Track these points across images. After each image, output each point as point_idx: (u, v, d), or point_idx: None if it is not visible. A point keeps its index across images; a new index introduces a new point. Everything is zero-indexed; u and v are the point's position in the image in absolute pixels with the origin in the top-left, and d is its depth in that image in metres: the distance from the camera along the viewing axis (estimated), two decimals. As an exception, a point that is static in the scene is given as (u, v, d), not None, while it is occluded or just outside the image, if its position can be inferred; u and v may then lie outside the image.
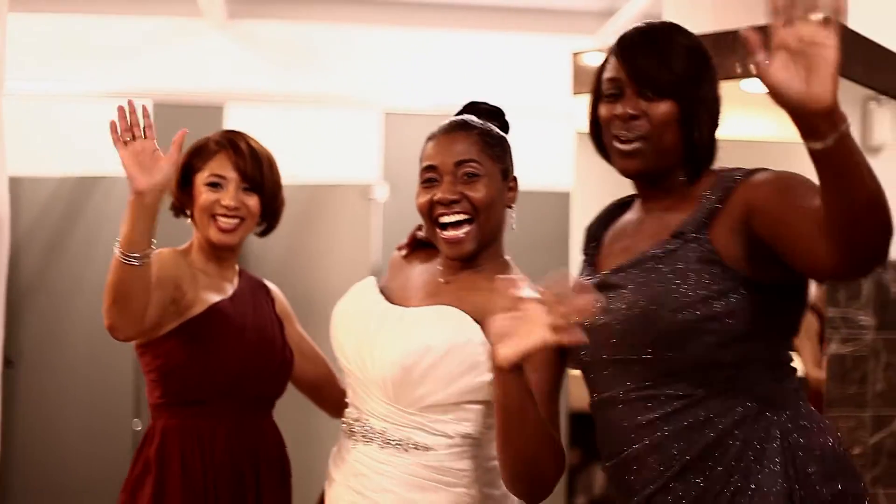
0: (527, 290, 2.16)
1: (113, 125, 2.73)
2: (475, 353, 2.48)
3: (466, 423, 2.58)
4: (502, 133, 2.77)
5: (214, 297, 3.18)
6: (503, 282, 2.19)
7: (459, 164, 2.63)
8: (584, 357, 2.37)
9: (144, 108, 2.79)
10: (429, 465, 2.56)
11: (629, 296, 2.23)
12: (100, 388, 5.45)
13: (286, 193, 3.33)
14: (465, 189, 2.62)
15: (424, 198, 2.67)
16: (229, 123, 5.58)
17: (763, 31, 1.79)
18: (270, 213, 3.30)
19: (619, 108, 2.33)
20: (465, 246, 2.64)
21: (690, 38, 2.37)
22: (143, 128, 2.77)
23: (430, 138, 2.72)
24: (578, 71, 4.56)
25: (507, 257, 2.76)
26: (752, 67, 1.80)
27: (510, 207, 2.74)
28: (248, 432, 3.18)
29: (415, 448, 2.57)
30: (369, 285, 2.83)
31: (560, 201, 5.40)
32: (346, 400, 2.77)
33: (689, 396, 2.19)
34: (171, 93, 6.33)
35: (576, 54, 4.66)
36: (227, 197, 3.15)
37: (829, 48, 1.75)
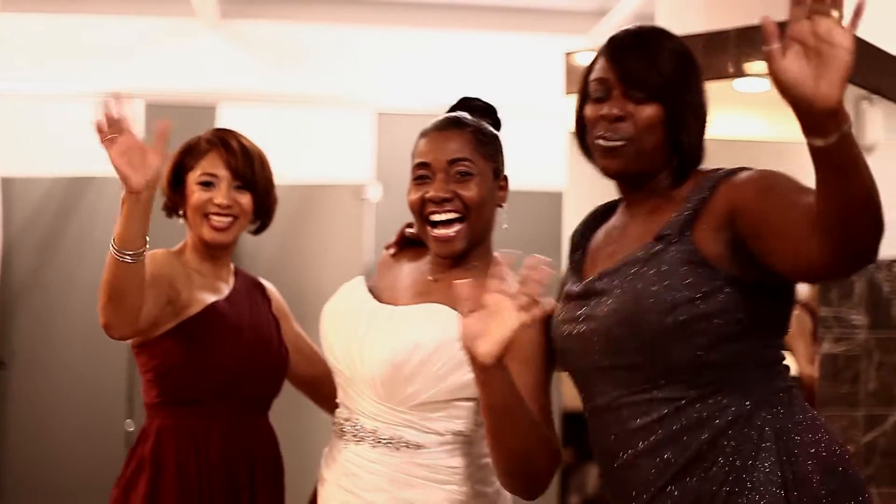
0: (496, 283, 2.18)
1: (99, 125, 2.70)
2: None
3: (457, 420, 2.58)
4: (495, 131, 2.77)
5: (210, 298, 3.17)
6: (460, 288, 2.20)
7: (453, 162, 2.63)
8: (574, 365, 2.36)
9: (123, 101, 2.74)
10: (421, 463, 2.56)
11: (615, 301, 2.23)
12: (92, 389, 5.45)
13: (279, 193, 3.32)
14: (458, 188, 2.62)
15: (416, 195, 2.66)
16: (222, 123, 5.57)
17: (782, 26, 1.79)
18: (263, 211, 3.29)
19: (605, 109, 2.32)
20: (455, 244, 2.64)
21: (679, 44, 2.37)
22: (123, 122, 2.72)
23: (422, 134, 2.71)
24: (571, 70, 4.56)
25: (496, 255, 2.75)
26: (765, 55, 1.80)
27: (500, 206, 2.74)
28: (243, 432, 3.18)
29: (406, 446, 2.56)
30: (358, 285, 2.83)
31: (553, 201, 5.41)
32: (337, 400, 2.77)
33: (681, 399, 2.18)
34: (163, 93, 6.33)
35: (568, 54, 4.66)
36: (220, 195, 3.14)
37: (843, 50, 1.75)
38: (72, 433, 5.46)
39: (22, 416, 5.48)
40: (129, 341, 3.09)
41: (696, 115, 2.34)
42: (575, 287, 2.38)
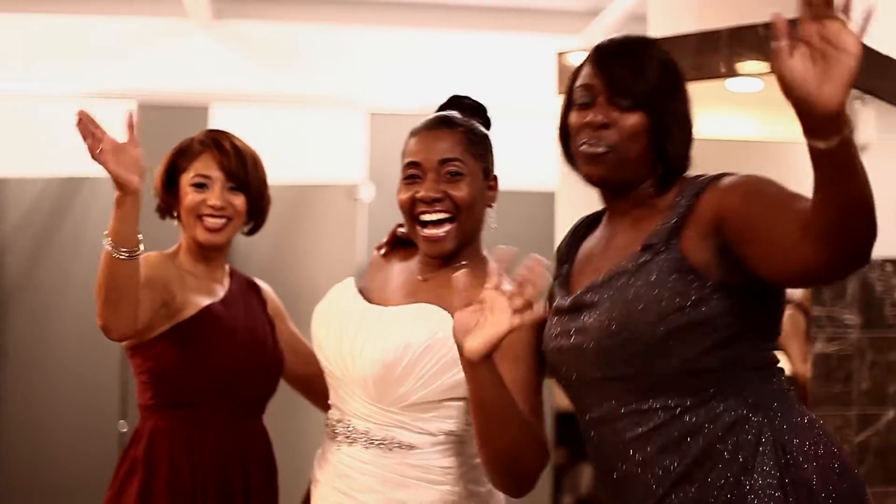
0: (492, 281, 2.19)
1: (90, 145, 2.69)
2: (455, 349, 2.48)
3: (449, 420, 2.58)
4: (485, 130, 2.77)
5: (205, 300, 3.17)
6: (457, 277, 2.20)
7: (443, 162, 2.63)
8: (567, 378, 2.36)
9: (86, 112, 2.72)
10: (413, 463, 2.56)
11: (605, 313, 2.22)
12: (86, 390, 5.44)
13: (272, 194, 3.32)
14: (448, 188, 2.62)
15: (406, 194, 2.66)
16: (214, 124, 5.56)
17: (792, 24, 1.78)
18: (257, 212, 3.29)
19: (589, 116, 2.32)
20: (445, 244, 2.64)
21: (665, 54, 2.38)
22: (95, 127, 2.72)
23: (413, 133, 2.72)
24: (563, 70, 4.56)
25: (485, 253, 2.75)
26: (772, 51, 1.79)
27: (490, 206, 2.74)
28: (237, 434, 3.18)
29: (399, 447, 2.57)
30: (348, 286, 2.83)
31: (545, 201, 5.40)
32: (329, 401, 2.77)
33: (677, 407, 2.18)
34: (156, 93, 6.33)
35: (560, 54, 4.66)
36: (213, 197, 3.14)
37: (849, 55, 1.74)
38: (65, 434, 5.45)
39: (15, 416, 5.47)
40: (123, 343, 3.09)
41: (682, 124, 2.35)
42: (564, 301, 2.37)
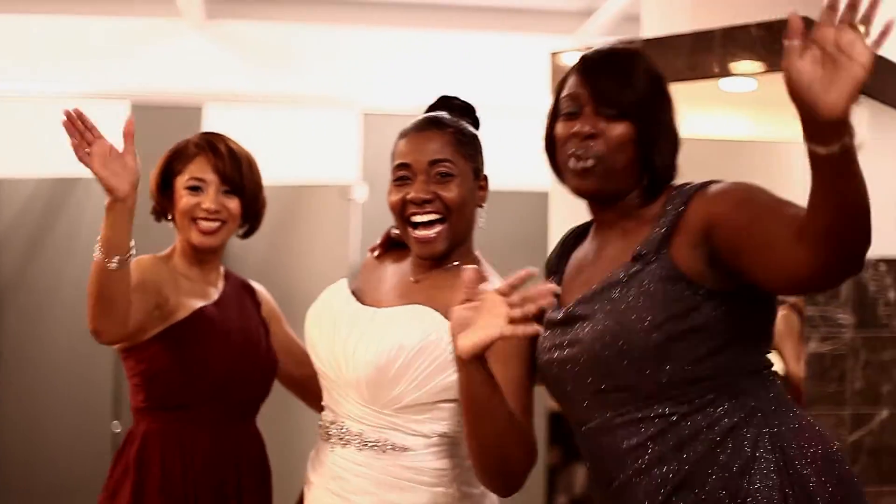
0: (493, 284, 2.19)
1: (74, 145, 2.69)
2: (448, 351, 2.47)
3: (443, 422, 2.57)
4: (474, 130, 2.76)
5: (198, 302, 3.15)
6: (466, 272, 2.21)
7: (433, 163, 2.63)
8: (561, 391, 2.36)
9: (80, 113, 2.72)
10: (407, 465, 2.56)
11: (598, 324, 2.23)
12: (79, 390, 5.43)
13: (266, 194, 3.31)
14: (438, 189, 2.62)
15: (397, 196, 2.66)
16: (208, 124, 5.57)
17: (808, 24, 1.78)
18: (252, 215, 3.28)
19: (576, 126, 2.32)
20: (436, 245, 2.64)
21: (651, 65, 2.39)
22: (90, 129, 2.71)
23: (402, 135, 2.71)
24: (557, 70, 4.56)
25: (476, 253, 2.75)
26: (784, 49, 1.79)
27: (481, 206, 2.74)
28: (230, 437, 3.16)
29: (392, 449, 2.56)
30: (341, 287, 2.83)
31: (538, 201, 5.40)
32: (322, 402, 2.77)
33: (673, 414, 2.18)
34: (149, 93, 6.32)
35: (554, 54, 4.67)
36: (208, 200, 3.12)
37: (860, 65, 1.74)
38: (58, 434, 5.44)
39: (7, 416, 5.46)
40: (116, 346, 3.08)
41: (668, 134, 2.36)
42: (555, 314, 2.37)
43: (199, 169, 3.15)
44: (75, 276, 5.20)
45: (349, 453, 2.60)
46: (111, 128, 2.74)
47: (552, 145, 2.44)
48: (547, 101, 2.50)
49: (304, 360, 3.26)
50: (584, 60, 2.39)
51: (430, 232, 2.63)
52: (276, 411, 3.58)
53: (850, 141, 1.80)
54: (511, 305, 2.14)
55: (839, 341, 3.94)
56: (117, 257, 2.69)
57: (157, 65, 7.18)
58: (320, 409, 2.79)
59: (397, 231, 2.82)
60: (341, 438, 2.62)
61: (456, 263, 2.64)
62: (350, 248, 5.10)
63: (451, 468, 2.59)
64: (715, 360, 2.17)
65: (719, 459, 2.15)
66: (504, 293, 2.16)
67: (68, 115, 2.70)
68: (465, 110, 2.82)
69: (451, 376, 2.45)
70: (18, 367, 5.47)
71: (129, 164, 2.69)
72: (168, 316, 3.08)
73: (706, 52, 4.02)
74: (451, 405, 2.55)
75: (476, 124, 2.81)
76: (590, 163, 2.30)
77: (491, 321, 2.15)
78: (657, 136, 2.32)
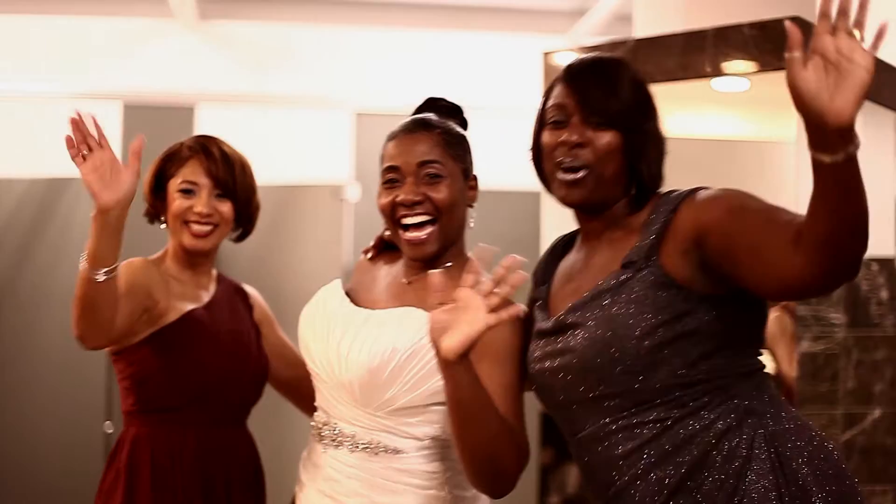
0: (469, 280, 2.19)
1: (69, 140, 2.66)
2: None
3: (435, 424, 2.57)
4: (462, 131, 2.76)
5: (188, 305, 3.15)
6: (432, 276, 2.22)
7: (422, 164, 2.62)
8: (554, 400, 2.36)
9: (94, 119, 2.70)
10: (399, 468, 2.56)
11: (590, 332, 2.23)
12: (71, 390, 5.42)
13: (258, 194, 3.31)
14: (428, 190, 2.61)
15: (386, 199, 2.65)
16: (200, 124, 5.57)
17: (804, 26, 1.79)
18: (245, 219, 3.27)
19: (564, 136, 2.33)
20: (427, 247, 2.64)
21: (637, 74, 2.40)
22: (99, 137, 2.68)
23: (390, 138, 2.71)
24: (549, 70, 4.56)
25: (469, 254, 2.75)
26: (786, 61, 1.80)
27: (471, 206, 2.74)
28: (220, 440, 3.16)
29: (384, 451, 2.56)
30: (335, 288, 2.82)
31: (531, 201, 5.39)
32: (315, 403, 2.76)
33: (667, 419, 2.18)
34: (141, 94, 6.32)
35: (547, 54, 4.66)
36: (200, 203, 3.12)
37: (863, 69, 1.76)
38: (50, 434, 5.42)
39: (-1, 417, 5.46)
40: (107, 349, 3.08)
41: (655, 143, 2.37)
42: (545, 324, 2.38)
43: (192, 172, 3.14)
44: (68, 276, 5.12)
45: (341, 455, 2.60)
46: (103, 128, 2.73)
47: (538, 154, 2.44)
48: (539, 101, 2.50)
49: (296, 364, 3.26)
50: (570, 69, 2.40)
51: (421, 233, 2.62)
52: (269, 413, 3.58)
53: (855, 150, 1.80)
54: (486, 294, 2.14)
55: (831, 341, 3.94)
56: (103, 270, 2.67)
57: (150, 65, 7.17)
58: (312, 412, 2.79)
59: (390, 233, 2.82)
60: (334, 440, 2.62)
61: (449, 265, 2.64)
62: (342, 248, 5.09)
63: (442, 471, 2.59)
64: (708, 364, 2.17)
65: (715, 462, 2.15)
66: (472, 285, 2.16)
67: (78, 115, 2.68)
68: (452, 111, 2.82)
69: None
70: (11, 367, 5.45)
71: (124, 179, 2.66)
72: (157, 319, 3.07)
73: (698, 52, 4.02)
74: (443, 408, 2.55)
75: (464, 125, 2.81)
76: (580, 174, 2.31)
77: (472, 316, 2.15)
78: (644, 145, 2.33)
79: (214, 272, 3.32)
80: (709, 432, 2.16)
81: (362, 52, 7.42)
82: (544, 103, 2.44)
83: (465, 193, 2.69)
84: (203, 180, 3.13)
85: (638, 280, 2.20)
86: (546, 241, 2.50)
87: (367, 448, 2.57)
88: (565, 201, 2.38)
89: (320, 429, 2.68)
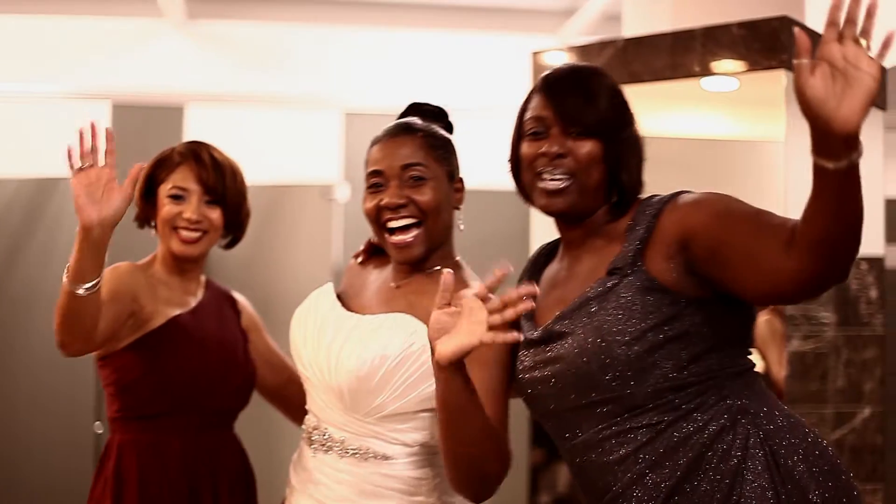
0: (473, 287, 2.18)
1: (71, 153, 2.64)
2: (430, 359, 2.47)
3: (424, 431, 2.58)
4: (447, 134, 2.76)
5: (175, 311, 3.15)
6: (445, 276, 2.20)
7: (405, 167, 2.63)
8: (545, 409, 2.35)
9: (108, 132, 2.67)
10: (388, 474, 2.56)
11: (579, 340, 2.23)
12: (60, 391, 5.40)
13: (248, 200, 3.31)
14: (412, 193, 2.62)
15: (371, 203, 2.66)
16: (189, 124, 5.55)
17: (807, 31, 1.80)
18: (235, 226, 3.27)
19: (544, 147, 2.33)
20: (413, 250, 2.64)
21: (613, 82, 2.40)
22: (106, 155, 2.67)
23: (374, 142, 2.72)
24: (539, 70, 4.56)
25: (458, 258, 2.75)
26: (794, 69, 1.81)
27: (458, 209, 2.74)
28: (206, 446, 3.16)
29: (374, 457, 2.56)
30: (326, 292, 2.82)
31: (520, 200, 5.40)
32: (305, 406, 2.76)
33: (659, 423, 2.18)
34: (130, 93, 6.30)
35: (536, 53, 4.67)
36: (190, 210, 3.12)
37: (870, 76, 1.77)
38: (40, 435, 5.40)
39: (-12, 418, 5.44)
40: (93, 354, 3.07)
41: (634, 149, 2.38)
42: (532, 333, 2.37)
43: (182, 178, 3.14)
44: (58, 276, 5.09)
45: (331, 459, 2.60)
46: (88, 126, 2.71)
47: (517, 165, 2.44)
48: (517, 112, 2.50)
49: (283, 371, 3.27)
50: (546, 80, 2.40)
51: (407, 236, 2.63)
52: (260, 415, 3.58)
53: (858, 157, 1.82)
54: (491, 311, 2.13)
55: (821, 340, 3.95)
56: (84, 286, 2.66)
57: (139, 65, 7.17)
58: (299, 420, 2.79)
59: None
60: (323, 444, 2.62)
61: (437, 268, 2.64)
62: (332, 249, 5.09)
63: (431, 477, 2.59)
64: (698, 366, 2.18)
65: (711, 463, 2.15)
66: (483, 297, 2.15)
67: (92, 127, 2.66)
68: (436, 115, 2.82)
69: (432, 386, 2.44)
70: (0, 367, 5.44)
71: (114, 200, 2.64)
72: (143, 324, 3.07)
73: (687, 52, 4.03)
74: (433, 414, 2.54)
75: (449, 129, 2.81)
76: (563, 183, 2.31)
77: (471, 327, 2.14)
78: (624, 152, 2.33)
79: (203, 278, 3.32)
80: (703, 434, 2.16)
81: (352, 51, 7.42)
82: (521, 115, 2.44)
83: (450, 196, 2.69)
84: (193, 186, 3.13)
85: (624, 286, 2.20)
86: (535, 241, 2.50)
87: (356, 454, 2.57)
88: (548, 210, 2.38)
89: (310, 433, 2.68)
